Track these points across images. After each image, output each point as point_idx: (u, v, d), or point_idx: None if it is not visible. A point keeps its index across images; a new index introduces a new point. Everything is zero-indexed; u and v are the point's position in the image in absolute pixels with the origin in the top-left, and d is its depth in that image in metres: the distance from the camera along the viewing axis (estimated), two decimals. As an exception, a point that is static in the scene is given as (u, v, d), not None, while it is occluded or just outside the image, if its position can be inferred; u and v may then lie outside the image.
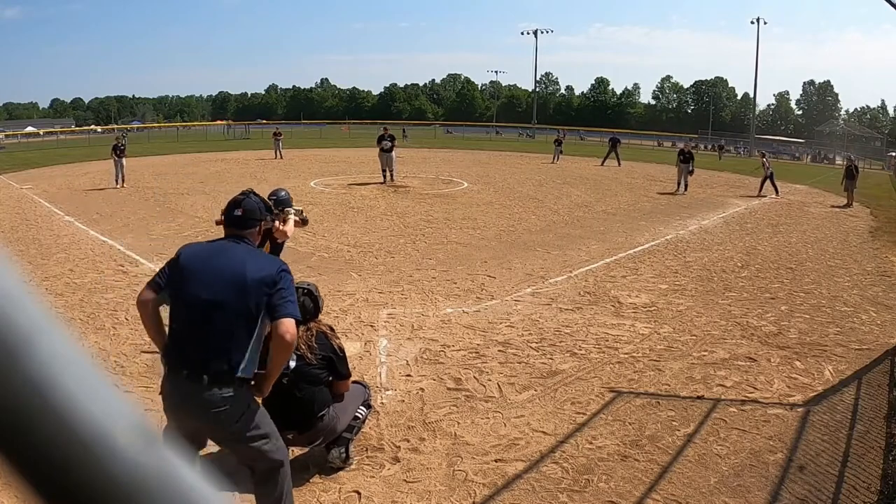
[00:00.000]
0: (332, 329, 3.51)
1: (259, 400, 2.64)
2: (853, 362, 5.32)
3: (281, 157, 26.13)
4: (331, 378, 3.41)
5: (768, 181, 17.84)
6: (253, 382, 2.53)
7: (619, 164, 26.39)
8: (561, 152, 28.38)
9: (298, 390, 3.28)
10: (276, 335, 2.44)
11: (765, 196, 17.51)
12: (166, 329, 2.59)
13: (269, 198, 4.89)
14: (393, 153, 17.33)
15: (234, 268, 2.48)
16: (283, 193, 4.92)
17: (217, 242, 2.64)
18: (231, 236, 2.64)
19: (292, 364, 3.23)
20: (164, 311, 2.70)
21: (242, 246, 2.60)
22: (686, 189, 17.68)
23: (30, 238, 9.73)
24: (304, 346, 3.31)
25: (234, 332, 2.42)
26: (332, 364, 3.38)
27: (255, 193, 2.83)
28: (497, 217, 12.40)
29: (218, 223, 3.02)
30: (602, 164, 26.45)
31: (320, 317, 3.58)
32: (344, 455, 3.50)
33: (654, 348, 5.50)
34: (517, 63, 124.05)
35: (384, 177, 17.36)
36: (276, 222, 4.68)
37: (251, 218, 2.69)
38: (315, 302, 3.51)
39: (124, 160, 16.50)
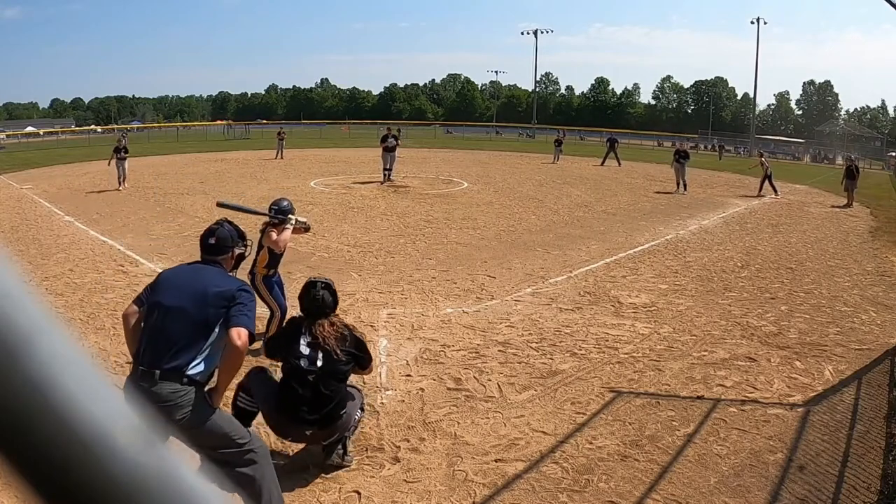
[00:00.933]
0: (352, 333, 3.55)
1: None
2: (853, 362, 5.32)
3: (282, 158, 26.12)
4: (356, 368, 3.49)
5: (767, 181, 17.82)
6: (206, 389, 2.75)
7: (619, 164, 26.34)
8: (561, 152, 28.42)
9: (325, 387, 3.31)
10: (228, 341, 2.68)
11: (764, 196, 17.51)
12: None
13: (270, 207, 5.07)
14: (396, 152, 17.64)
15: (199, 282, 2.81)
16: (285, 203, 5.03)
17: (194, 264, 2.99)
18: (206, 261, 2.97)
19: (319, 363, 3.33)
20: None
21: (213, 268, 2.94)
22: (686, 189, 17.66)
23: (30, 238, 9.73)
24: (332, 341, 3.35)
25: (189, 337, 2.68)
26: (357, 357, 3.46)
27: (228, 222, 3.14)
28: (497, 217, 12.39)
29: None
30: (602, 165, 26.43)
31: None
32: (342, 452, 3.51)
33: (654, 348, 5.50)
34: (517, 63, 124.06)
35: (384, 177, 17.49)
36: (272, 232, 4.76)
37: (224, 245, 3.03)
38: (334, 296, 3.56)
39: (126, 163, 15.97)
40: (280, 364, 3.51)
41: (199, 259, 3.01)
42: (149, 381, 2.61)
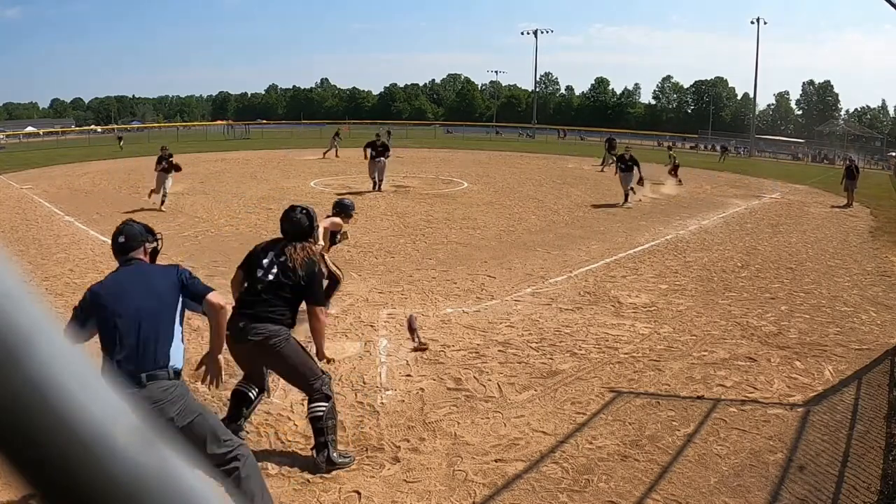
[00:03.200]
0: (322, 256, 3.74)
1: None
2: (853, 362, 5.32)
3: (337, 156, 25.78)
4: (305, 300, 3.56)
5: (674, 171, 19.20)
6: (204, 365, 3.07)
7: (605, 166, 23.71)
8: (613, 158, 21.20)
9: (268, 303, 3.46)
10: (209, 309, 2.93)
11: (682, 185, 18.29)
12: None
13: (334, 206, 6.11)
14: (384, 161, 15.81)
15: (144, 282, 2.89)
16: (347, 201, 6.27)
17: (120, 272, 2.99)
18: (124, 262, 3.03)
19: (270, 276, 3.51)
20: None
21: (137, 266, 3.01)
22: (628, 200, 14.39)
23: (30, 238, 9.73)
24: (297, 262, 3.53)
25: (159, 333, 2.76)
26: (311, 284, 3.53)
27: (134, 222, 3.21)
28: (497, 217, 12.40)
29: None
30: (601, 170, 23.49)
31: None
32: (325, 458, 3.47)
33: (654, 348, 5.50)
34: (517, 63, 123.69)
35: (374, 185, 15.84)
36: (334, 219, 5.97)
37: (134, 241, 3.08)
38: (311, 221, 3.77)
39: (170, 178, 12.71)
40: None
41: (118, 261, 3.05)
42: (138, 385, 2.64)
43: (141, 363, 2.67)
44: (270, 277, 3.52)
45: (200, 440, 2.72)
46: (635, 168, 14.45)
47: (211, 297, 2.92)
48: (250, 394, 3.69)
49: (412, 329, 5.41)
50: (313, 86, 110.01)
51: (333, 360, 3.94)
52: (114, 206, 13.18)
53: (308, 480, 3.43)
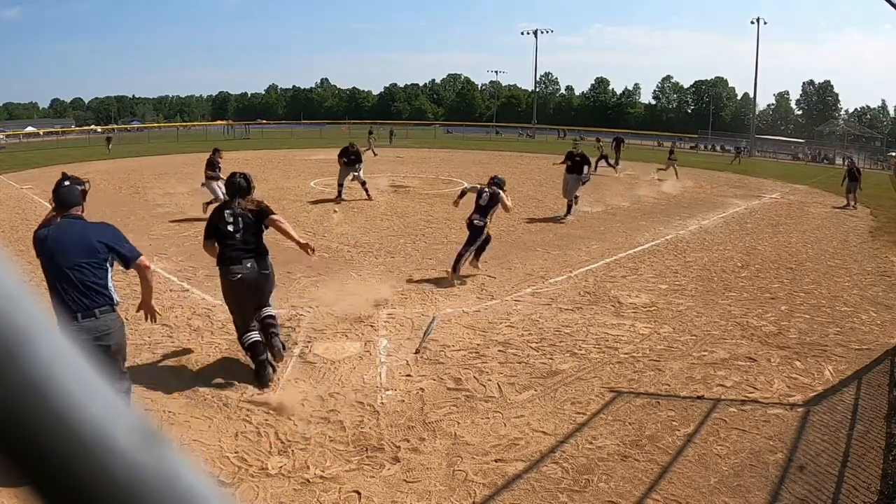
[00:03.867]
0: (259, 202, 4.84)
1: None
2: (853, 362, 5.33)
3: (374, 154, 26.11)
4: (259, 220, 4.77)
5: (603, 160, 21.08)
6: (145, 311, 3.91)
7: (618, 165, 23.85)
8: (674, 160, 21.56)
9: (246, 241, 4.69)
10: (139, 269, 3.71)
11: (619, 174, 19.42)
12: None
13: (491, 180, 8.17)
14: (359, 169, 14.45)
15: (82, 237, 3.47)
16: (498, 178, 8.22)
17: (62, 223, 3.55)
18: (66, 216, 3.57)
19: (240, 225, 4.70)
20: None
21: (80, 222, 3.58)
22: (570, 213, 12.42)
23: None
24: (246, 210, 4.74)
25: (99, 278, 3.43)
26: (261, 212, 4.77)
27: (67, 186, 3.67)
28: (497, 217, 12.36)
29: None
30: (616, 172, 22.70)
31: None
32: (281, 342, 4.88)
33: (654, 348, 5.50)
34: (517, 63, 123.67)
35: (339, 192, 14.29)
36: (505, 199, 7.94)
37: (74, 199, 3.62)
38: (248, 182, 4.92)
39: (219, 183, 11.20)
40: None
41: (64, 215, 3.60)
42: (92, 319, 3.36)
43: (91, 302, 3.37)
44: (241, 226, 4.69)
45: (121, 355, 3.55)
46: (585, 168, 12.48)
47: (140, 260, 3.64)
48: (259, 336, 4.72)
49: (427, 332, 5.48)
50: (313, 86, 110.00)
51: (314, 250, 5.04)
52: (114, 206, 13.18)
53: (308, 480, 3.43)
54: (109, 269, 3.51)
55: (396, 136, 42.81)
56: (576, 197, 12.77)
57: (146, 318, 3.94)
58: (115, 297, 3.50)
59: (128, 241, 3.62)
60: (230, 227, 4.68)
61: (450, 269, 7.52)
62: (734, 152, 37.85)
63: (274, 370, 4.71)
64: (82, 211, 3.65)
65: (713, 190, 19.22)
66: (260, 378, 4.56)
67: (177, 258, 8.43)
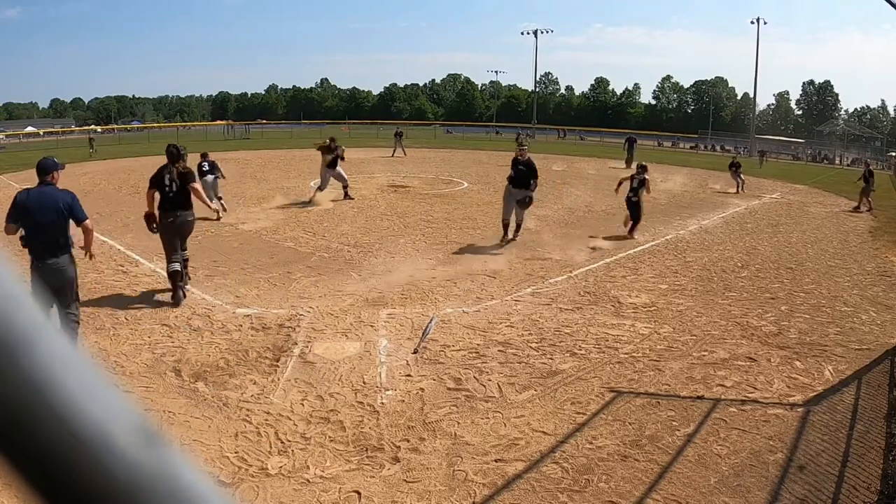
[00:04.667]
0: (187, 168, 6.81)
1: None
2: (853, 362, 5.33)
3: (404, 154, 26.72)
4: (185, 184, 6.63)
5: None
6: (86, 253, 5.05)
7: (630, 166, 24.86)
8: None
9: (180, 194, 6.55)
10: (84, 229, 4.89)
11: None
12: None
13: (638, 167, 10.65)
14: (339, 167, 13.76)
15: (53, 200, 4.69)
16: (643, 165, 11.05)
17: (40, 187, 4.77)
18: (42, 182, 4.81)
19: (175, 185, 6.52)
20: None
21: (52, 188, 4.80)
22: (516, 236, 9.85)
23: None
24: (177, 172, 6.57)
25: (61, 231, 4.68)
26: (186, 176, 6.64)
27: (48, 158, 4.98)
28: (497, 217, 12.37)
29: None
30: (627, 167, 23.03)
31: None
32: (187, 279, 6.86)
33: (654, 348, 5.50)
34: (517, 63, 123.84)
35: (316, 193, 13.71)
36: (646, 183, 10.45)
37: (50, 167, 4.84)
38: (178, 151, 6.75)
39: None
40: None
41: (41, 183, 4.82)
42: (55, 258, 4.65)
43: (55, 248, 4.64)
44: (175, 186, 6.49)
45: (67, 294, 4.76)
46: (532, 183, 9.52)
47: (87, 223, 4.88)
48: (180, 267, 6.49)
49: (426, 332, 5.49)
50: (313, 86, 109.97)
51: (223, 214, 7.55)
52: (114, 206, 13.17)
53: (308, 480, 3.43)
54: (69, 223, 4.75)
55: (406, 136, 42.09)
56: (517, 223, 9.88)
57: (85, 255, 5.05)
58: (72, 240, 4.78)
59: (82, 208, 4.82)
60: (167, 187, 6.48)
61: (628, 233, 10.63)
62: (759, 156, 35.58)
63: (184, 295, 6.45)
64: (56, 180, 4.87)
65: (713, 189, 19.20)
66: (175, 298, 6.35)
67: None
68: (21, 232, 4.66)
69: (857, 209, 15.79)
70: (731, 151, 23.38)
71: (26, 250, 4.67)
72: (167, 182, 6.45)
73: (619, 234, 10.64)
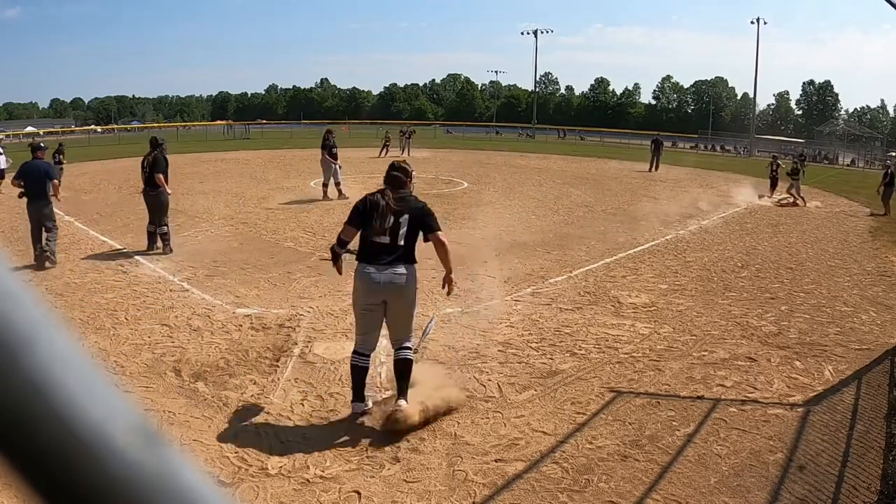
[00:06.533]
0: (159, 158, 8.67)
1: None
2: (853, 362, 5.32)
3: (409, 154, 26.19)
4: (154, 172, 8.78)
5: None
6: (56, 196, 8.15)
7: (657, 169, 24.33)
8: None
9: (153, 171, 8.58)
10: (53, 186, 7.93)
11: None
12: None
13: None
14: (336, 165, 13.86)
15: (40, 170, 7.92)
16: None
17: (34, 161, 7.96)
18: (34, 157, 8.00)
19: (147, 169, 8.67)
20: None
21: (40, 160, 8.02)
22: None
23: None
24: (151, 160, 8.54)
25: (45, 186, 7.86)
26: (156, 162, 8.66)
27: (38, 142, 8.58)
28: (497, 217, 12.39)
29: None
30: (650, 171, 24.27)
31: None
32: (167, 243, 8.75)
33: (654, 348, 5.50)
34: (517, 63, 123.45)
35: (325, 191, 13.87)
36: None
37: (39, 149, 8.18)
38: (157, 145, 8.65)
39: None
40: None
41: (33, 157, 8.03)
42: (41, 202, 7.79)
43: (40, 195, 7.77)
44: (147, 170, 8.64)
45: (46, 222, 7.84)
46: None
47: (54, 182, 7.93)
48: (151, 229, 8.83)
49: (426, 332, 5.49)
50: (313, 86, 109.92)
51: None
52: (114, 206, 13.18)
53: (308, 480, 3.43)
54: (49, 182, 7.83)
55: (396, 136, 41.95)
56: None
57: (56, 198, 8.04)
58: (50, 192, 7.85)
59: (54, 173, 8.15)
60: (145, 174, 8.80)
61: None
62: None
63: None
64: (41, 156, 8.10)
65: (714, 189, 19.20)
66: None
67: (177, 258, 8.43)
68: (21, 185, 7.85)
69: (885, 214, 14.87)
70: (787, 157, 21.89)
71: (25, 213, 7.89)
72: (144, 168, 8.72)
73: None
